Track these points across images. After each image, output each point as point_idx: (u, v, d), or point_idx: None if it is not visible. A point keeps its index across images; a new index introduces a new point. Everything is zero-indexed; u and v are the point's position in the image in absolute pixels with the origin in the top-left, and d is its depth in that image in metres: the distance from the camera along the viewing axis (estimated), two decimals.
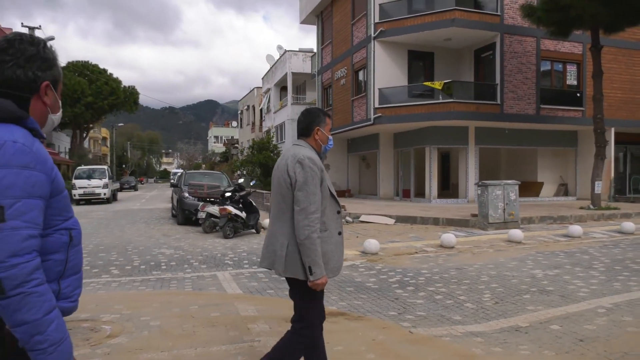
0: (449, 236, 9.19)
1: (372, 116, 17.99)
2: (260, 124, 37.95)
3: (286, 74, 29.95)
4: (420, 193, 19.45)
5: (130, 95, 42.37)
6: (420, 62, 19.50)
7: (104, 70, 41.25)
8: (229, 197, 11.52)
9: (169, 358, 3.64)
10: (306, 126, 2.81)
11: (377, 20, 18.09)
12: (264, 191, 19.09)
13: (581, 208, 14.94)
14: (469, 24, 16.86)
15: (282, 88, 32.56)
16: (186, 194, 13.13)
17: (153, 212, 18.43)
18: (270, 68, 34.55)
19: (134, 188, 46.73)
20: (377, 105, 18.04)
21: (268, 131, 33.29)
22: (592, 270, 6.84)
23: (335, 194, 2.77)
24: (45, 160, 1.45)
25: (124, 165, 70.35)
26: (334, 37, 22.50)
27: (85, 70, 39.61)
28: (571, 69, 18.92)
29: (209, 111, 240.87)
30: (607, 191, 18.73)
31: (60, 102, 1.65)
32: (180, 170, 32.59)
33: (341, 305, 5.23)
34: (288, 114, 29.48)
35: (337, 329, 4.35)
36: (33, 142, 1.44)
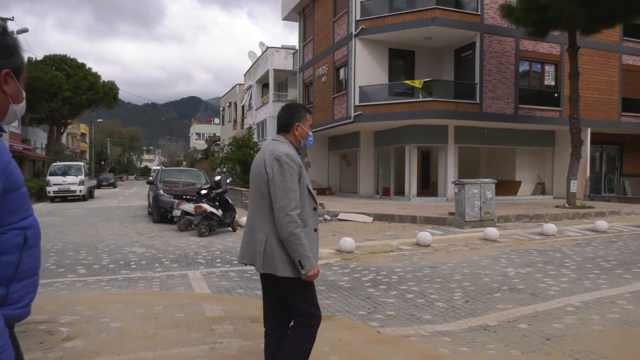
0: (425, 234, 9.18)
1: (353, 114, 17.94)
2: (242, 121, 37.65)
3: (268, 71, 29.75)
4: (401, 191, 19.49)
5: (109, 90, 41.56)
6: (401, 61, 19.51)
7: (83, 65, 40.39)
8: (204, 194, 11.34)
9: None
10: (286, 122, 2.78)
11: (358, 17, 18.04)
12: (243, 189, 18.92)
13: (557, 207, 15.12)
14: (449, 23, 16.91)
15: (264, 85, 32.34)
16: (161, 191, 12.90)
17: (129, 210, 18.11)
18: (252, 65, 34.29)
19: (113, 185, 46.00)
20: (357, 103, 18.00)
21: (249, 128, 33.06)
22: (564, 268, 6.87)
23: (312, 190, 2.74)
24: None
25: (102, 162, 69.22)
26: (315, 34, 22.39)
27: (62, 65, 38.71)
28: (549, 70, 19.13)
29: (192, 108, 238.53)
30: (583, 190, 19.02)
31: (23, 92, 1.55)
32: (166, 168, 32.19)
33: None
34: (269, 111, 29.28)
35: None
36: None
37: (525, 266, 7.06)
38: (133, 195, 30.71)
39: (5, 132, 1.48)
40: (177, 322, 4.41)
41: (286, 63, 29.04)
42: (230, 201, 11.72)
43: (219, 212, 10.97)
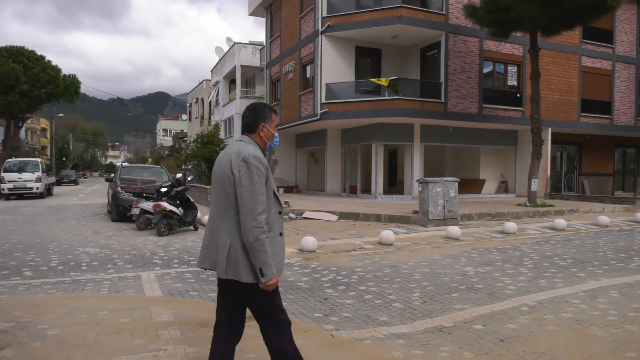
0: (388, 233, 9.14)
1: (319, 111, 17.82)
2: (209, 118, 37.03)
3: (235, 67, 29.31)
4: (367, 189, 19.50)
5: (70, 84, 40.17)
6: (367, 59, 19.50)
7: (42, 57, 38.89)
8: (165, 192, 11.01)
9: None
10: (251, 122, 2.71)
11: (324, 14, 17.91)
12: (207, 186, 18.55)
13: (518, 205, 15.40)
14: (415, 22, 16.97)
15: (231, 81, 31.87)
16: (120, 189, 12.48)
17: (88, 208, 17.50)
18: (219, 60, 33.74)
19: (75, 182, 44.55)
20: (324, 101, 17.88)
21: (217, 125, 32.53)
22: (521, 267, 6.93)
23: (277, 193, 2.67)
24: None
25: (64, 158, 66.98)
26: (282, 31, 22.15)
27: (20, 57, 37.16)
28: (512, 70, 19.48)
29: (160, 103, 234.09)
30: (544, 189, 19.47)
31: None
32: (127, 164, 31.36)
33: None
34: (237, 108, 28.85)
35: (254, 334, 4.07)
36: None
37: (484, 265, 7.09)
38: (95, 192, 29.77)
39: None
40: (120, 327, 4.18)
41: (253, 59, 28.68)
42: (191, 199, 11.42)
43: (180, 211, 10.67)
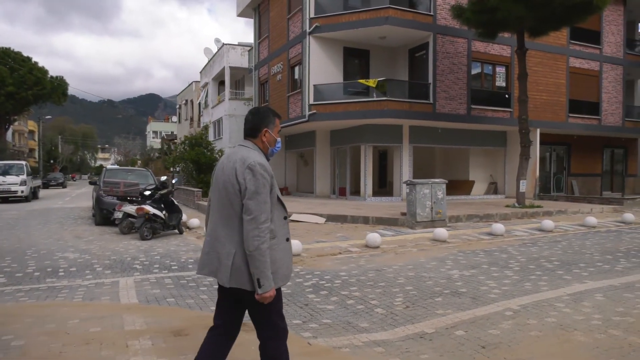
0: (374, 236, 9.03)
1: (307, 113, 17.70)
2: (199, 119, 36.78)
3: (224, 68, 29.11)
4: (357, 191, 19.41)
5: (58, 86, 39.74)
6: (356, 60, 19.42)
7: (28, 59, 38.42)
8: (148, 195, 10.83)
9: None
10: (253, 126, 2.68)
11: (312, 15, 17.80)
12: (195, 189, 18.37)
13: (507, 206, 15.37)
14: (403, 23, 16.91)
15: (221, 82, 31.67)
16: (103, 192, 12.26)
17: (73, 212, 17.23)
18: (208, 62, 33.52)
19: (62, 185, 44.01)
20: (312, 102, 17.77)
21: (206, 127, 32.29)
22: (507, 269, 6.84)
23: (282, 199, 2.65)
24: None
25: (52, 161, 66.27)
26: (270, 32, 22.01)
27: (6, 58, 36.68)
28: (500, 71, 19.49)
29: (151, 105, 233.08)
30: (533, 190, 19.48)
31: None
32: (116, 167, 31.01)
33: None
34: (226, 109, 28.67)
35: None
36: None
37: (470, 268, 7.00)
38: (82, 195, 29.40)
39: None
40: (89, 337, 4.02)
41: (242, 60, 28.50)
42: (176, 202, 11.24)
43: (164, 214, 10.48)
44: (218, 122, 30.70)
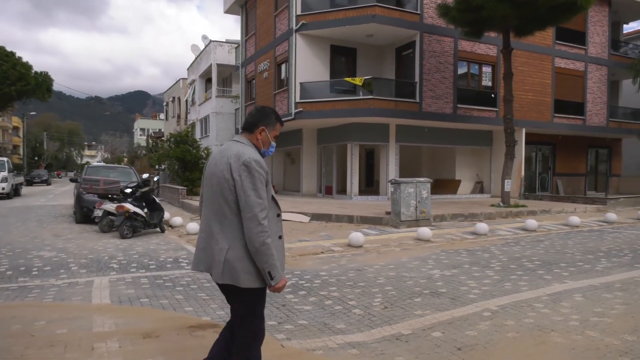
0: (357, 235, 8.96)
1: (293, 111, 17.58)
2: (186, 117, 36.46)
3: (211, 65, 28.86)
4: (343, 190, 19.34)
5: (42, 82, 39.02)
6: (342, 58, 19.32)
7: (12, 54, 37.69)
8: (129, 193, 10.66)
9: None
10: (253, 122, 2.68)
11: (299, 12, 17.66)
12: (180, 187, 18.16)
13: (492, 206, 15.40)
14: (390, 21, 16.85)
15: (208, 80, 31.40)
16: (82, 190, 12.05)
17: (55, 209, 16.93)
18: (195, 59, 33.22)
19: (47, 182, 43.38)
20: (298, 100, 17.65)
21: (193, 124, 32.02)
22: (488, 269, 6.81)
23: (275, 196, 2.66)
24: None
25: (36, 158, 65.32)
26: (257, 29, 21.83)
27: None
28: (486, 71, 19.53)
29: (140, 102, 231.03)
30: (518, 189, 19.57)
31: None
32: (100, 164, 30.56)
33: (218, 315, 4.73)
34: (213, 107, 28.44)
35: (198, 345, 3.86)
36: None
37: (451, 268, 6.95)
38: (65, 193, 28.96)
39: None
40: (55, 339, 3.89)
41: (230, 58, 28.28)
42: (157, 200, 11.08)
43: (144, 212, 10.32)
44: (205, 120, 30.46)
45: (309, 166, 20.55)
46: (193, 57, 33.72)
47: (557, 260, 7.45)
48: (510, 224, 12.51)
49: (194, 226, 10.60)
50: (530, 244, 9.16)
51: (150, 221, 10.50)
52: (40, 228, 11.61)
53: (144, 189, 10.71)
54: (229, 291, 2.58)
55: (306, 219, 12.71)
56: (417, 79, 17.62)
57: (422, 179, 11.81)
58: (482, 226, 10.51)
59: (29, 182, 40.87)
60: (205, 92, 31.49)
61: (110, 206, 10.35)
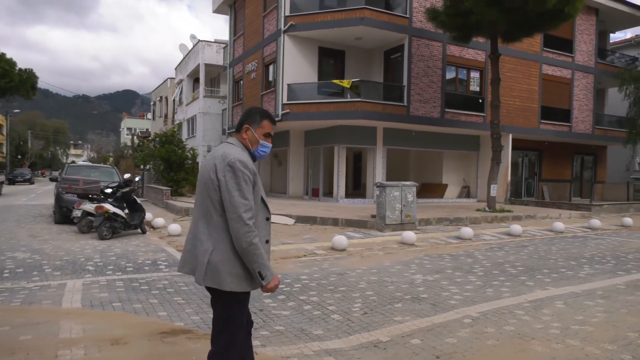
0: (341, 238, 8.85)
1: (280, 112, 17.45)
2: (173, 117, 36.13)
3: (199, 65, 28.62)
4: (330, 192, 19.23)
5: (26, 79, 38.36)
6: (331, 60, 19.25)
7: None
8: (110, 193, 10.44)
9: None
10: (239, 122, 2.68)
11: (287, 13, 17.56)
12: (164, 187, 17.92)
13: (477, 210, 15.41)
14: (379, 24, 16.81)
15: (195, 80, 31.13)
16: (61, 189, 11.79)
17: (35, 209, 16.60)
18: (184, 58, 32.93)
19: (30, 181, 42.71)
20: (285, 101, 17.53)
21: (180, 124, 31.71)
22: (471, 274, 6.74)
23: (265, 198, 2.62)
24: None
25: (20, 156, 64.32)
26: (246, 29, 21.68)
27: None
28: (474, 76, 19.58)
29: (128, 102, 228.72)
30: (504, 194, 19.63)
31: None
32: (84, 163, 30.13)
33: (192, 320, 4.59)
34: (200, 107, 28.21)
35: (170, 352, 3.72)
36: None
37: (434, 272, 6.87)
38: (48, 192, 28.46)
39: None
40: (17, 346, 3.72)
41: (218, 58, 28.08)
42: (138, 201, 10.87)
43: (124, 213, 10.11)
44: (192, 120, 30.20)
45: (296, 168, 20.43)
46: (182, 57, 33.45)
47: (540, 266, 7.41)
48: (495, 228, 12.50)
49: (175, 227, 10.42)
50: (514, 250, 9.13)
51: (130, 222, 10.29)
52: (18, 228, 11.33)
53: (124, 189, 10.50)
54: (212, 294, 2.54)
55: (291, 221, 12.58)
56: (405, 83, 17.60)
57: (407, 183, 11.75)
58: (466, 231, 10.47)
59: (11, 181, 40.20)
60: (193, 92, 31.23)
61: (90, 206, 10.13)
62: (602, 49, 24.41)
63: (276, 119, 17.46)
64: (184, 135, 30.29)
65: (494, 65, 15.71)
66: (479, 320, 4.64)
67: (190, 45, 31.77)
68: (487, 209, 15.27)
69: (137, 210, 10.56)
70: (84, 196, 11.38)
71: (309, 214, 13.17)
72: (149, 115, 59.86)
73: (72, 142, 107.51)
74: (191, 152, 21.75)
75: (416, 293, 5.67)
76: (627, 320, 4.67)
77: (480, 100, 19.57)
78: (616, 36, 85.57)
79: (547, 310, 4.99)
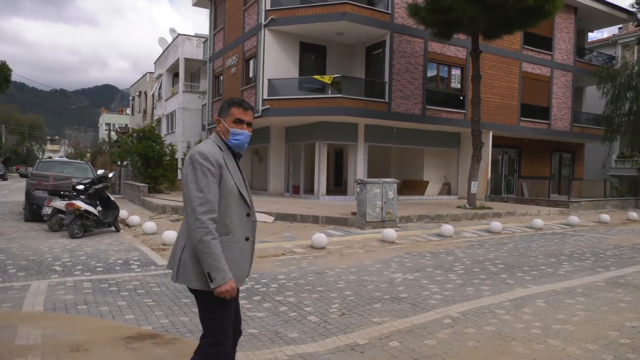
0: (320, 236, 8.68)
1: (261, 108, 17.18)
2: (152, 112, 35.49)
3: (178, 60, 28.11)
4: (311, 189, 19.05)
5: None
6: (312, 55, 19.03)
7: None
8: (82, 190, 10.08)
9: None
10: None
11: (268, 7, 17.27)
12: (141, 184, 17.50)
13: (458, 207, 15.40)
14: (360, 20, 16.66)
15: (175, 74, 30.60)
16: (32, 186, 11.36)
17: (5, 206, 16.05)
18: (163, 52, 32.34)
19: (3, 177, 41.60)
20: (266, 97, 17.26)
21: (159, 120, 31.17)
22: (452, 273, 6.64)
23: (245, 193, 2.49)
24: None
25: None
26: (226, 23, 21.31)
27: None
28: (455, 73, 19.58)
29: (108, 97, 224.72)
30: (484, 191, 19.70)
31: None
32: (57, 159, 29.33)
33: (161, 324, 4.36)
34: (179, 102, 27.72)
35: (135, 357, 3.50)
36: None
37: (414, 271, 6.75)
38: (21, 189, 27.62)
39: None
40: None
41: (198, 52, 27.61)
42: (112, 198, 10.52)
43: (96, 210, 9.77)
44: (171, 115, 29.69)
45: (276, 165, 20.18)
46: (161, 51, 32.84)
47: (520, 264, 7.35)
48: (476, 225, 12.48)
49: (151, 225, 10.12)
50: (494, 247, 9.08)
51: (103, 220, 9.96)
52: None
53: (97, 186, 10.15)
54: (193, 293, 2.46)
55: (270, 219, 12.36)
56: (386, 79, 17.49)
57: (388, 180, 11.63)
58: (447, 228, 10.41)
59: None
60: (172, 86, 30.70)
61: (60, 203, 9.76)
62: (581, 48, 24.70)
63: (256, 115, 17.21)
64: (163, 131, 29.77)
65: (474, 63, 15.70)
66: (459, 320, 4.51)
67: (170, 39, 31.20)
68: (467, 206, 15.27)
69: (110, 207, 10.24)
70: (56, 193, 10.99)
71: (289, 211, 12.97)
72: (128, 111, 58.81)
73: (48, 137, 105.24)
74: (169, 148, 21.33)
75: (396, 293, 5.53)
76: (607, 319, 4.60)
77: (461, 98, 19.59)
78: (594, 35, 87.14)
79: (527, 309, 4.90)
